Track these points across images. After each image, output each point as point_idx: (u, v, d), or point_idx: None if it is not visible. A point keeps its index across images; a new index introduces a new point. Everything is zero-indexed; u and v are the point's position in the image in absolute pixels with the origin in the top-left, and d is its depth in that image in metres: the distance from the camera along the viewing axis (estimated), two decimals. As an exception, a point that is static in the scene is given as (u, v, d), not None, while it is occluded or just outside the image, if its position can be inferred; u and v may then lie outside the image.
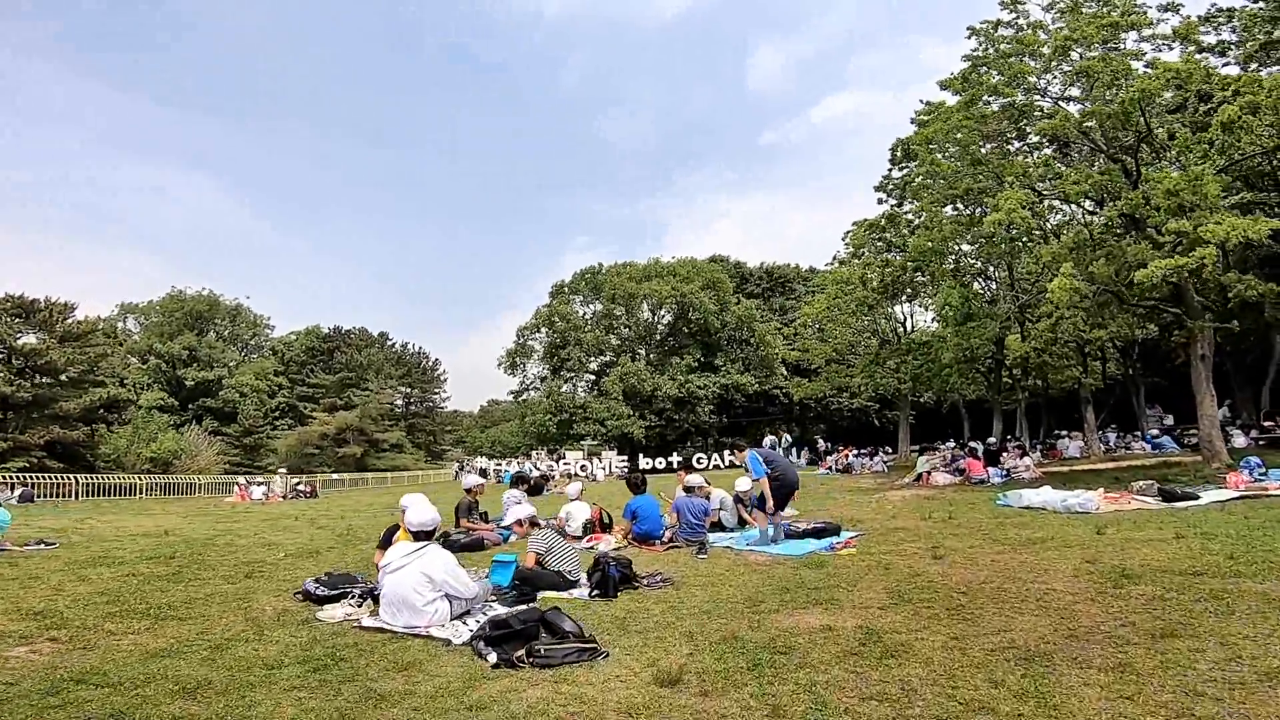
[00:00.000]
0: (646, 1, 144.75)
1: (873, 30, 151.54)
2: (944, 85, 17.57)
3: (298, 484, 25.18)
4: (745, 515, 9.09)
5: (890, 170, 25.68)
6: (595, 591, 5.54)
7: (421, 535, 5.05)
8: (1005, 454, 18.16)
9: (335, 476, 42.38)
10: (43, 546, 8.96)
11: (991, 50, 16.83)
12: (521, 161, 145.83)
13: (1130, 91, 13.70)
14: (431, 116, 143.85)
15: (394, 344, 78.86)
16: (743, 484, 9.02)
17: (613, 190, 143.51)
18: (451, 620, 4.79)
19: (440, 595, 4.80)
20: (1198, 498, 9.38)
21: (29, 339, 41.74)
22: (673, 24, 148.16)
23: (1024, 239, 18.46)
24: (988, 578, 5.55)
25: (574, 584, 5.84)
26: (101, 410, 45.52)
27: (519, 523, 6.58)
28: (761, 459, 7.91)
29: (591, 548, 8.07)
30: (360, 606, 5.19)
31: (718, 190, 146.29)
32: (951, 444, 24.90)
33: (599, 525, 9.09)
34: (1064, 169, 16.45)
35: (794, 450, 30.70)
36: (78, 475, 26.76)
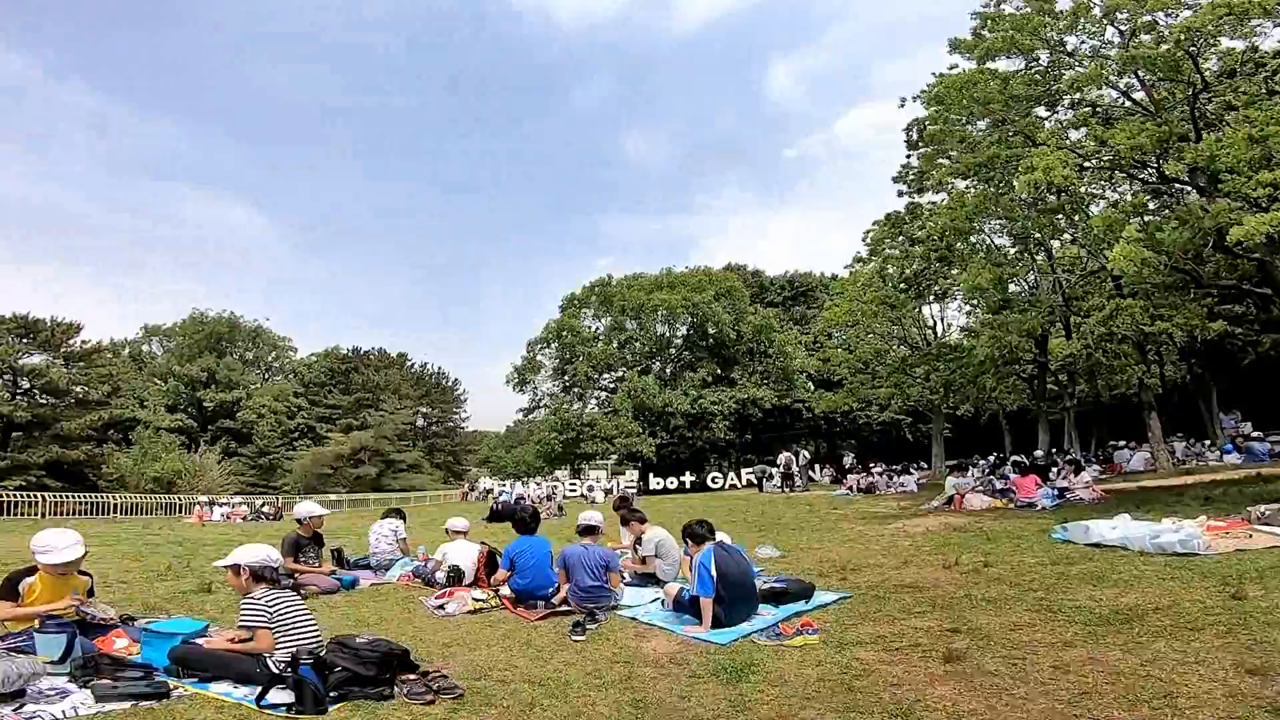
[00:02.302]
0: (666, 18, 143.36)
1: (892, 40, 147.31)
2: (954, 46, 15.01)
3: (261, 505, 23.27)
4: (689, 573, 6.32)
5: (908, 157, 22.94)
6: (284, 701, 3.04)
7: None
8: (1055, 470, 15.07)
9: (334, 498, 40.53)
10: None
11: (1006, 6, 14.37)
12: (545, 180, 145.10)
13: (1174, 31, 11.13)
14: (453, 135, 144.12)
15: (413, 364, 78.09)
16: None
17: (637, 208, 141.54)
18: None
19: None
20: (1355, 531, 6.43)
21: (33, 359, 41.12)
22: (691, 42, 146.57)
23: (1062, 211, 15.49)
24: None
25: (283, 680, 3.31)
26: (110, 430, 44.92)
27: (234, 569, 3.90)
28: (714, 566, 4.80)
29: (441, 606, 5.55)
30: None
31: (744, 207, 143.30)
32: (992, 458, 21.63)
33: (481, 573, 6.55)
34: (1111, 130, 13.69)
35: (813, 467, 27.61)
36: (44, 495, 25.48)
